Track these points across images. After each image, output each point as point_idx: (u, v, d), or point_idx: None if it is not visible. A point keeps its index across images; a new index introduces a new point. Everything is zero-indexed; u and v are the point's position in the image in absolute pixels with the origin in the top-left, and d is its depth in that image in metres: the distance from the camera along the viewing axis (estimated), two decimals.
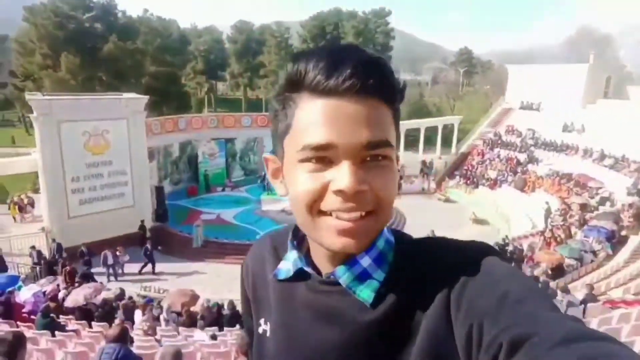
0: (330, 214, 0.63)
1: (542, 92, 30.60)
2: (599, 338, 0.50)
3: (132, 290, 13.66)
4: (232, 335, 8.86)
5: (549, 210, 19.69)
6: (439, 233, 17.18)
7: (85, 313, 9.72)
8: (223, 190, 25.91)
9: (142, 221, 18.50)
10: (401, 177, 27.46)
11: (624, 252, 14.01)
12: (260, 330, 0.84)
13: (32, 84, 34.03)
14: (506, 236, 17.95)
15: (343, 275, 0.69)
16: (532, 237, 17.71)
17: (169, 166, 24.97)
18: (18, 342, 2.75)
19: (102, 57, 35.15)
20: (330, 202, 0.62)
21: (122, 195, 18.77)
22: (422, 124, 35.46)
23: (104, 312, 9.82)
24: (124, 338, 3.77)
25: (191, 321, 9.68)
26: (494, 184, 25.68)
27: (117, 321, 7.97)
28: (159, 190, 21.06)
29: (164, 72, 42.09)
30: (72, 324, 8.96)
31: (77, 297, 10.40)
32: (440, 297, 0.63)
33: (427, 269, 0.67)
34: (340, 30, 50.12)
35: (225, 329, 9.47)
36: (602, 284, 11.26)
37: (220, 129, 28.13)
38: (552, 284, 11.12)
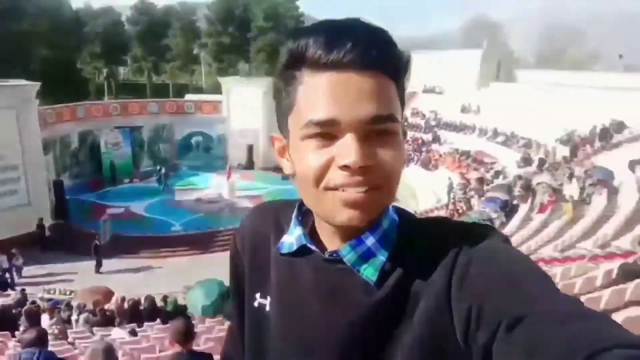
0: (336, 189, 0.63)
1: (442, 76, 32.77)
2: (597, 317, 0.51)
3: (34, 294, 12.52)
4: (153, 330, 8.56)
5: (451, 186, 21.30)
6: None
7: None
8: (131, 181, 24.47)
9: (40, 219, 16.94)
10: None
11: (516, 219, 15.66)
12: (255, 304, 0.81)
13: None
14: (415, 211, 19.16)
15: (348, 254, 0.69)
16: (437, 211, 19.10)
17: (68, 158, 23.00)
18: None
19: None
20: (336, 177, 0.62)
21: (15, 192, 17.01)
22: None
23: (3, 320, 8.93)
24: (42, 341, 3.50)
25: (106, 320, 9.17)
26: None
27: (21, 328, 7.30)
28: (57, 185, 19.37)
29: (57, 56, 38.31)
30: None
31: None
32: (441, 277, 0.64)
33: (430, 249, 0.67)
34: (249, 13, 49.08)
35: (145, 324, 9.11)
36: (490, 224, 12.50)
37: (125, 117, 26.42)
38: None
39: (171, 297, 11.36)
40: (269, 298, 0.79)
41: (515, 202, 17.04)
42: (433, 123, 29.57)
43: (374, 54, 0.61)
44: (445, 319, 0.62)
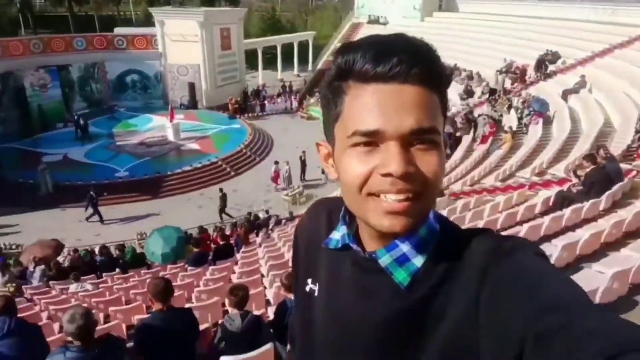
0: (378, 195, 0.66)
1: (386, 6, 32.18)
2: (626, 325, 0.51)
3: None
4: (113, 281, 8.50)
5: None
6: (303, 148, 17.88)
7: None
8: (65, 126, 22.89)
9: None
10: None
11: (459, 151, 16.40)
12: (307, 288, 0.90)
13: None
14: None
15: (383, 257, 0.73)
16: None
17: None
18: None
19: None
20: (378, 184, 0.65)
21: None
22: (278, 40, 34.89)
23: None
24: (11, 308, 3.40)
25: (62, 273, 8.94)
26: None
27: None
28: None
29: None
30: None
31: None
32: (470, 292, 0.66)
33: (464, 262, 0.70)
34: None
35: (104, 275, 9.00)
36: (444, 180, 13.18)
37: (48, 55, 24.14)
38: None
39: (127, 246, 11.18)
40: (317, 284, 0.88)
41: (458, 134, 17.74)
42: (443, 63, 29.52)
43: (417, 68, 0.64)
44: (471, 332, 0.64)
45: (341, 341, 0.80)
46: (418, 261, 0.72)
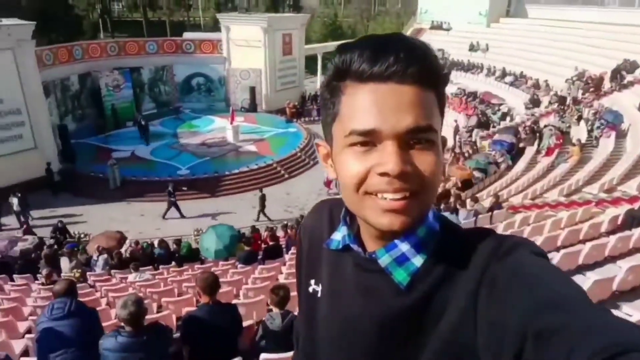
0: (376, 195, 0.66)
1: (450, 11, 31.42)
2: (624, 327, 0.50)
3: (48, 237, 12.87)
4: (168, 273, 8.89)
5: (457, 128, 21.14)
6: None
7: (3, 267, 9.08)
8: (134, 124, 24.30)
9: (48, 164, 17.03)
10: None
11: (522, 163, 15.67)
12: (310, 289, 0.91)
13: None
14: None
15: (382, 257, 0.74)
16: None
17: (69, 102, 22.64)
18: None
19: None
20: (375, 183, 0.66)
21: (20, 137, 16.96)
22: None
23: (24, 264, 9.26)
24: (72, 291, 3.66)
25: (122, 263, 9.48)
26: None
27: (44, 272, 7.57)
28: (61, 129, 19.30)
29: None
30: None
31: None
32: (469, 289, 0.66)
33: (464, 261, 0.70)
34: None
35: (160, 267, 9.44)
36: (504, 192, 12.65)
37: (123, 57, 25.74)
38: (463, 195, 12.30)
39: (184, 240, 11.67)
40: (320, 285, 0.89)
41: (521, 144, 16.97)
42: (440, 62, 28.75)
43: (414, 67, 0.64)
44: (469, 330, 0.65)
45: (343, 341, 0.81)
46: (417, 261, 0.73)
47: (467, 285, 0.67)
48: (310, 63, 33.01)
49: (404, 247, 0.73)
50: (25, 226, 13.90)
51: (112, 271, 9.05)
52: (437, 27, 32.50)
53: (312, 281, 0.91)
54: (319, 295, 0.88)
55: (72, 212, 15.79)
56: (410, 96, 0.64)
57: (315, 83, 32.94)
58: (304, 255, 0.97)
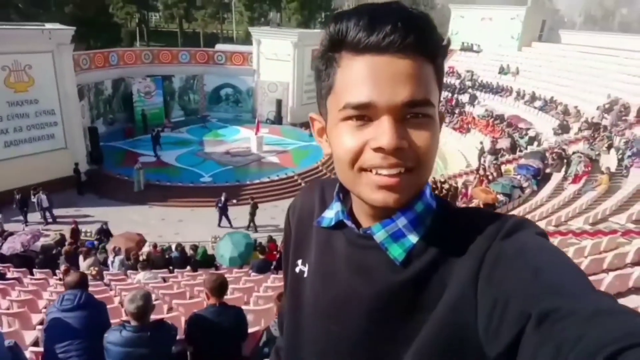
0: (371, 171, 0.64)
1: (482, 34, 31.28)
2: (628, 313, 0.49)
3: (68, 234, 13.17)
4: (182, 277, 8.95)
5: (482, 150, 20.84)
6: None
7: (25, 260, 9.32)
8: (162, 130, 24.85)
9: (76, 164, 17.53)
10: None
11: (547, 188, 15.30)
12: (297, 270, 0.88)
13: None
14: (442, 174, 18.99)
15: (378, 232, 0.72)
16: (466, 175, 18.82)
17: (102, 105, 23.40)
18: None
19: None
20: (371, 158, 0.64)
21: (52, 136, 17.55)
22: None
23: (45, 259, 9.48)
24: (83, 283, 3.71)
25: (139, 264, 9.60)
26: None
27: (62, 267, 7.73)
28: (92, 132, 19.89)
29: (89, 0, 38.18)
30: (12, 272, 8.60)
31: (13, 244, 9.89)
32: (469, 268, 0.64)
33: (462, 238, 0.67)
34: None
35: (175, 270, 9.52)
36: (528, 217, 12.31)
37: (156, 65, 26.49)
38: None
39: (200, 246, 11.76)
40: (307, 266, 0.86)
41: (548, 170, 16.60)
42: (469, 83, 28.56)
43: (412, 37, 0.61)
44: (469, 309, 0.62)
45: (331, 322, 0.78)
46: (413, 237, 0.71)
47: (468, 263, 0.65)
48: None
49: (400, 222, 0.71)
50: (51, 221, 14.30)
51: (128, 272, 9.17)
52: (467, 48, 32.33)
53: (299, 261, 0.88)
54: (305, 275, 0.86)
55: (96, 212, 16.14)
56: (408, 68, 0.61)
57: None
58: (292, 235, 0.93)
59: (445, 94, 28.85)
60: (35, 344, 4.82)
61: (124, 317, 5.39)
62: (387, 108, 0.61)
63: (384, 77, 0.61)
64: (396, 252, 0.71)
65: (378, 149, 0.62)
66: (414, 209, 0.71)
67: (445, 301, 0.65)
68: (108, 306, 4.44)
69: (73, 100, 18.10)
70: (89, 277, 7.51)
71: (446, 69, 31.36)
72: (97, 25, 37.63)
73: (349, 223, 0.77)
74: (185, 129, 24.85)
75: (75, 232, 13.12)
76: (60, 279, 7.64)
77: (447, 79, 30.39)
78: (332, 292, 0.78)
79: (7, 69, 15.63)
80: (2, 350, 3.02)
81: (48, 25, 17.74)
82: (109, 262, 9.78)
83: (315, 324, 0.82)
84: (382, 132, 0.61)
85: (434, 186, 17.59)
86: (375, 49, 0.61)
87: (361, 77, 0.62)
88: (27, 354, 4.07)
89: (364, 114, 0.63)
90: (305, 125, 26.65)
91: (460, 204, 15.16)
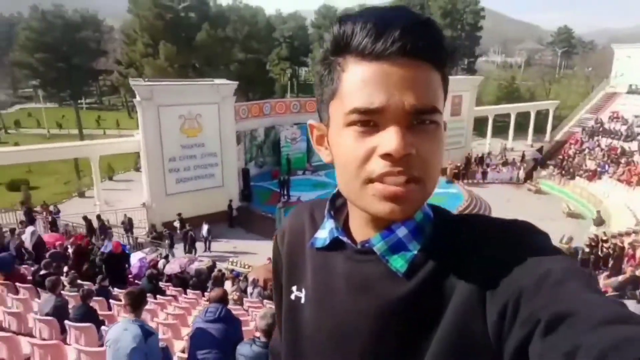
0: (377, 180, 0.62)
1: None
2: (638, 322, 0.48)
3: (221, 264, 14.64)
4: None
5: None
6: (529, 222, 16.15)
7: (181, 281, 10.62)
8: (303, 173, 26.59)
9: (230, 201, 19.62)
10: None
11: None
12: (292, 297, 0.83)
13: (135, 71, 37.06)
14: (604, 232, 16.61)
15: (378, 244, 0.69)
16: (635, 235, 16.18)
17: (254, 149, 25.99)
18: (142, 295, 3.15)
19: (196, 45, 37.29)
20: (376, 166, 0.62)
21: (213, 175, 20.00)
22: (514, 109, 33.43)
23: (197, 281, 10.67)
24: (225, 299, 4.13)
25: None
26: (592, 175, 23.67)
27: (209, 290, 8.62)
28: (245, 173, 22.11)
29: (251, 58, 43.56)
30: (170, 290, 9.86)
31: (174, 266, 11.39)
32: (476, 275, 0.62)
33: (465, 245, 0.65)
34: (427, 10, 48.44)
35: None
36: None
37: (303, 114, 28.66)
38: None
39: None
40: (304, 291, 0.81)
41: None
42: (637, 130, 25.04)
43: (421, 43, 0.60)
44: (478, 316, 0.60)
45: (335, 345, 0.74)
46: (414, 247, 0.69)
47: (474, 270, 0.62)
48: (479, 125, 32.04)
49: (400, 232, 0.69)
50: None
51: (264, 301, 9.79)
52: (635, 91, 28.60)
53: (294, 287, 0.83)
54: (303, 301, 0.81)
55: (243, 245, 17.73)
56: (416, 74, 0.60)
57: (484, 145, 31.67)
58: (284, 261, 0.88)
59: (607, 140, 25.70)
60: (182, 351, 5.42)
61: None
62: (394, 114, 0.60)
63: (392, 82, 0.60)
64: (398, 263, 0.68)
65: (386, 156, 0.60)
66: (413, 218, 0.69)
67: (453, 309, 0.63)
68: (243, 328, 4.82)
69: (232, 145, 20.53)
70: (231, 301, 8.24)
71: (609, 113, 28.08)
72: (256, 80, 42.57)
73: (345, 239, 0.75)
74: (323, 172, 26.21)
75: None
76: (208, 300, 8.52)
77: (611, 125, 27.12)
78: (332, 315, 0.75)
79: (182, 118, 18.54)
80: (157, 348, 3.49)
81: (216, 81, 20.74)
82: (248, 291, 10.58)
83: (318, 352, 0.78)
84: (390, 138, 0.60)
85: (593, 244, 15.44)
86: (383, 54, 0.60)
87: (369, 82, 0.61)
88: (175, 358, 4.61)
89: (371, 119, 0.61)
90: (443, 171, 26.00)
91: (626, 267, 13.02)
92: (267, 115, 26.85)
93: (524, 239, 0.63)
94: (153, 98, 17.64)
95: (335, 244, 0.77)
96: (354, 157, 0.63)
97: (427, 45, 0.61)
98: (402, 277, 0.68)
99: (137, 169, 26.84)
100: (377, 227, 0.70)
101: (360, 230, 0.74)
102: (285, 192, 22.38)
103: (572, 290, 0.53)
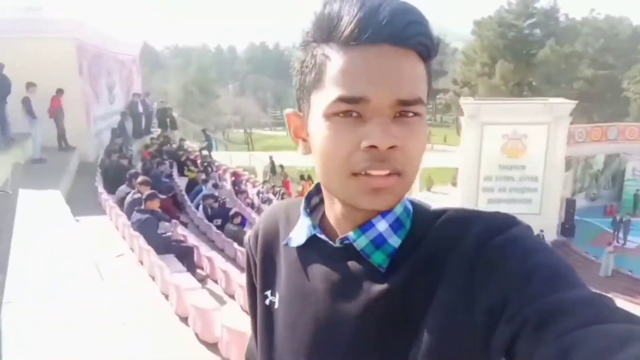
0: (361, 172, 0.60)
1: None
2: (627, 317, 0.47)
3: None
4: None
5: None
6: None
7: None
8: None
9: (541, 231, 17.71)
10: None
11: None
12: (267, 302, 0.80)
13: (468, 90, 38.30)
14: None
15: (358, 239, 0.66)
16: None
17: (587, 179, 22.79)
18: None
19: (536, 62, 35.41)
20: (360, 159, 0.59)
21: (529, 201, 18.65)
22: None
23: None
24: None
25: None
26: None
27: None
28: (569, 203, 19.66)
29: (602, 75, 38.03)
30: None
31: None
32: (460, 268, 0.60)
33: (448, 238, 0.63)
34: None
35: None
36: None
37: None
38: None
39: None
40: (277, 295, 0.78)
41: None
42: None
43: (409, 31, 0.57)
44: (465, 311, 0.58)
45: (314, 346, 0.70)
46: (395, 241, 0.66)
47: (458, 264, 0.60)
48: None
49: (381, 226, 0.66)
50: None
51: None
52: None
53: (269, 292, 0.80)
54: (276, 306, 0.78)
55: None
56: (402, 63, 0.58)
57: None
58: (258, 265, 0.83)
59: None
60: None
61: None
62: (381, 104, 0.58)
63: (377, 72, 0.57)
64: (379, 258, 0.66)
65: (370, 148, 0.58)
66: (393, 211, 0.67)
67: (439, 305, 0.60)
68: None
69: (559, 171, 18.58)
70: None
71: None
72: (605, 100, 36.78)
73: (322, 237, 0.71)
74: None
75: None
76: None
77: None
78: (310, 317, 0.71)
79: (506, 137, 17.98)
80: None
81: (551, 100, 19.07)
82: None
83: (297, 356, 0.73)
84: (375, 130, 0.57)
85: None
86: (370, 42, 0.57)
87: (355, 70, 0.58)
88: None
89: (355, 109, 0.58)
90: None
91: None
92: (612, 140, 22.82)
93: (507, 233, 0.60)
94: (478, 115, 17.86)
95: (311, 243, 0.73)
96: (337, 149, 0.61)
97: (415, 34, 0.58)
98: (383, 273, 0.65)
99: (454, 184, 27.71)
100: (355, 221, 0.67)
101: (338, 226, 0.71)
102: (622, 235, 18.60)
103: (560, 285, 0.52)
